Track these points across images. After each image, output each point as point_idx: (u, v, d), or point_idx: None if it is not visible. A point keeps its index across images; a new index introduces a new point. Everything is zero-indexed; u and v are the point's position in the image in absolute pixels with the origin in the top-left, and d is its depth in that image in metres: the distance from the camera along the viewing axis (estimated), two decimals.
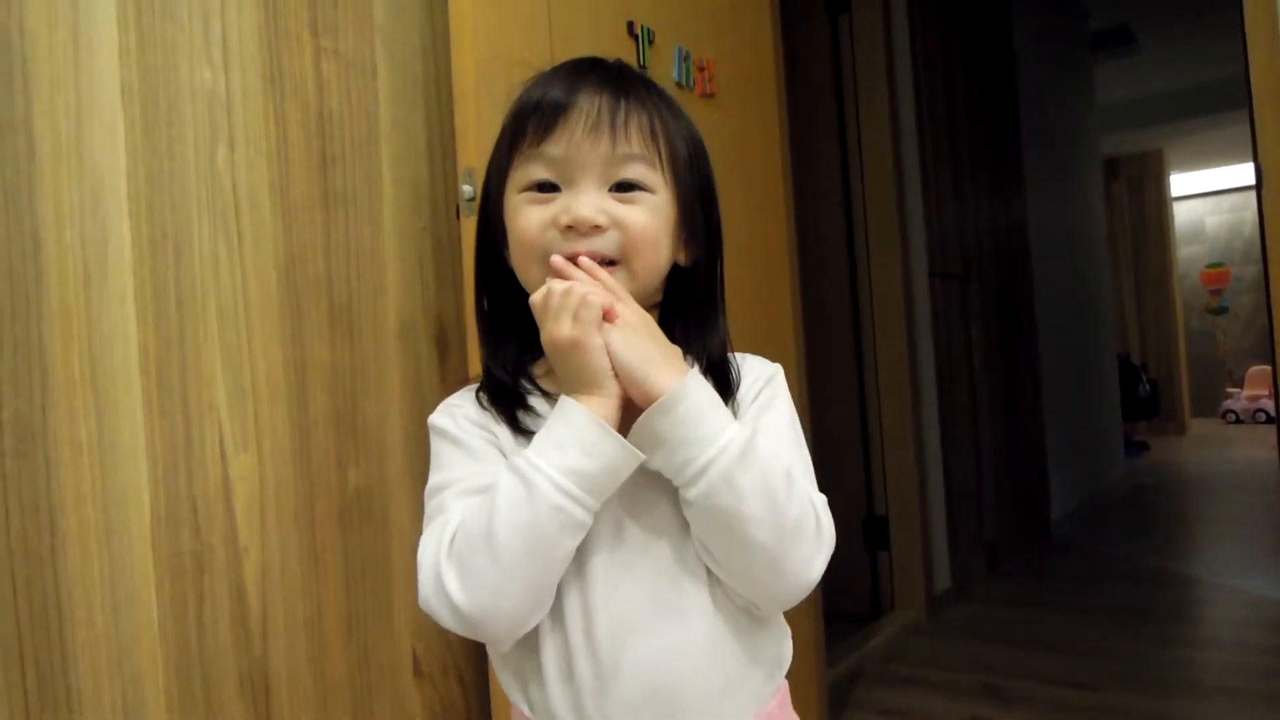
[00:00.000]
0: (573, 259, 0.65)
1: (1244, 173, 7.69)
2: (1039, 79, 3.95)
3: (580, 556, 0.65)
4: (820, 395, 2.56)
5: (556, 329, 0.62)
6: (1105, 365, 4.80)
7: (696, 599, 0.67)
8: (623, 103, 0.68)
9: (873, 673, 2.30)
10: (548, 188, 0.68)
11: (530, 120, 0.68)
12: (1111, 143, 6.19)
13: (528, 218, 0.68)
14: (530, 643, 0.67)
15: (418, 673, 1.15)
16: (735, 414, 0.70)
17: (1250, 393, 7.57)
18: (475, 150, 1.07)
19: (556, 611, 0.66)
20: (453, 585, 0.61)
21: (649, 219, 0.68)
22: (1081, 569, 3.22)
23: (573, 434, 0.61)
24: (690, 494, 0.63)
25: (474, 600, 0.61)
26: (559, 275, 0.64)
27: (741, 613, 0.68)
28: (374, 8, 1.15)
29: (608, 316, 0.63)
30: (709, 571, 0.67)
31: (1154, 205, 7.45)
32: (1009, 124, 3.63)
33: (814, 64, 2.76)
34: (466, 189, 1.08)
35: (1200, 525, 4.08)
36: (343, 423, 1.09)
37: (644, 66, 1.34)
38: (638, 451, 0.62)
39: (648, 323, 0.66)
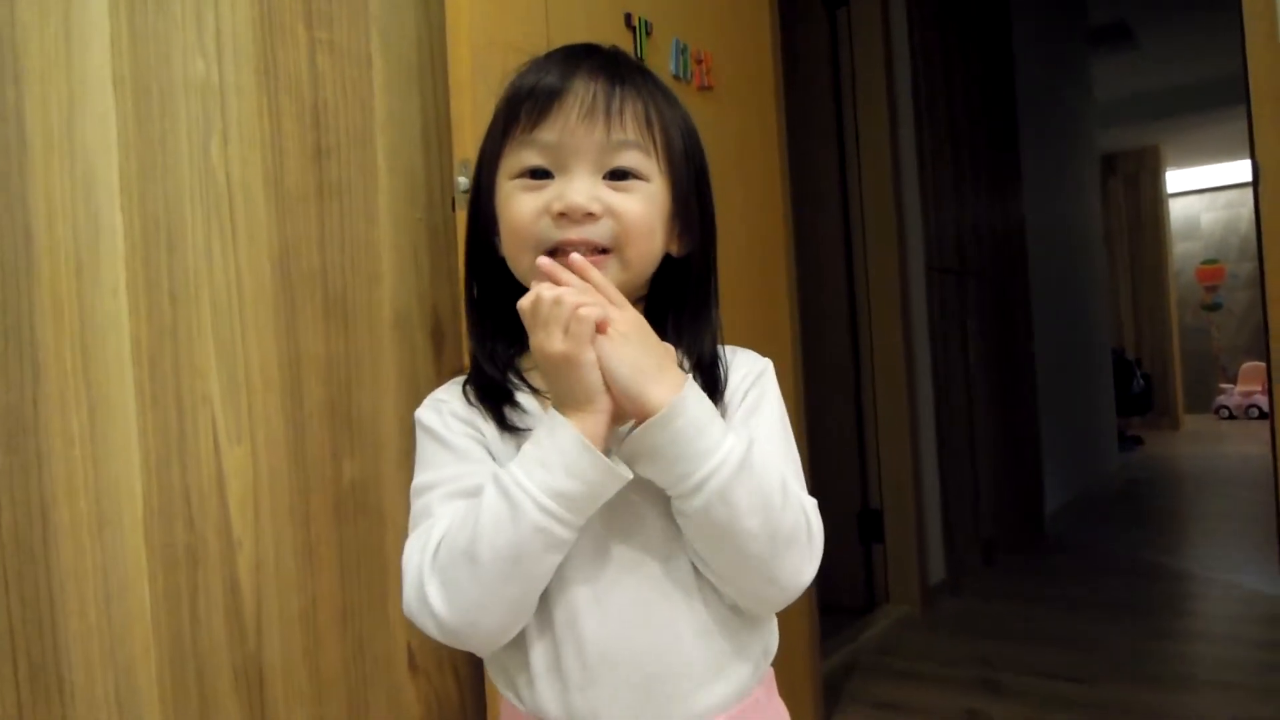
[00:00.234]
0: (563, 248, 0.64)
1: (1240, 169, 7.70)
2: (1037, 74, 3.95)
3: (566, 556, 0.64)
4: (816, 388, 2.56)
5: (547, 341, 0.60)
6: (1100, 360, 4.81)
7: (684, 596, 0.67)
8: (618, 89, 0.66)
9: (867, 665, 2.30)
10: (541, 174, 0.66)
11: (524, 106, 0.67)
12: (1108, 139, 6.20)
13: (520, 205, 0.66)
14: (518, 641, 0.66)
15: (413, 666, 1.15)
16: (724, 411, 0.69)
17: (1244, 388, 7.60)
18: (471, 141, 1.06)
19: (544, 611, 0.65)
20: (435, 599, 0.61)
21: (643, 207, 0.67)
22: (1075, 563, 3.23)
23: (560, 455, 0.60)
24: (685, 506, 0.62)
25: (456, 615, 0.61)
26: (548, 278, 0.62)
27: (729, 609, 0.68)
28: None
29: (600, 327, 0.61)
30: (697, 570, 0.67)
31: (1150, 201, 7.45)
32: (1007, 119, 3.63)
33: (812, 59, 2.76)
34: (462, 180, 1.08)
35: (1193, 520, 4.10)
36: (337, 415, 1.08)
37: (641, 58, 1.34)
38: (626, 473, 0.61)
39: (641, 328, 0.63)
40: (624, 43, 1.32)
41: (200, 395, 0.95)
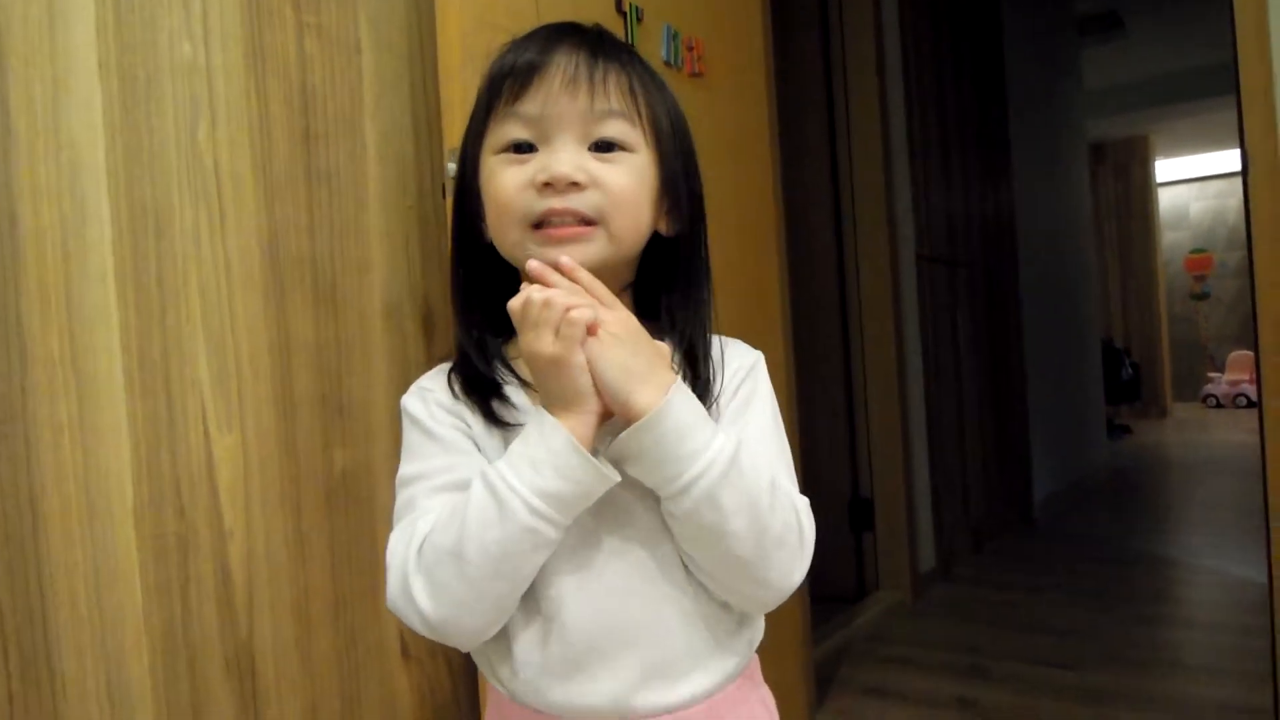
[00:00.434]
0: (549, 219, 0.63)
1: (1229, 159, 7.73)
2: (1027, 63, 3.95)
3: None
4: (807, 377, 2.56)
5: (537, 343, 0.60)
6: (1089, 349, 4.83)
7: (671, 586, 0.67)
8: (600, 60, 0.65)
9: (858, 652, 2.32)
10: (525, 148, 0.65)
11: (505, 81, 0.66)
12: (1097, 128, 6.21)
13: (504, 178, 0.65)
14: (503, 629, 0.66)
15: (405, 654, 1.15)
16: (716, 404, 0.69)
17: (1231, 377, 7.65)
18: (461, 128, 1.05)
19: (529, 600, 0.65)
20: (420, 596, 0.61)
21: (629, 179, 0.66)
22: (1064, 551, 3.26)
23: (550, 456, 0.60)
24: (674, 508, 0.62)
25: (442, 611, 0.61)
26: (537, 281, 0.61)
27: (717, 604, 0.68)
28: None
29: (590, 328, 0.60)
30: (684, 565, 0.67)
31: (1139, 190, 7.48)
32: (997, 108, 3.63)
33: (803, 48, 2.75)
34: (451, 167, 1.07)
35: (1181, 508, 4.13)
36: (328, 403, 1.08)
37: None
38: (614, 475, 0.61)
39: (632, 329, 0.62)
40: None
41: (190, 382, 0.95)
